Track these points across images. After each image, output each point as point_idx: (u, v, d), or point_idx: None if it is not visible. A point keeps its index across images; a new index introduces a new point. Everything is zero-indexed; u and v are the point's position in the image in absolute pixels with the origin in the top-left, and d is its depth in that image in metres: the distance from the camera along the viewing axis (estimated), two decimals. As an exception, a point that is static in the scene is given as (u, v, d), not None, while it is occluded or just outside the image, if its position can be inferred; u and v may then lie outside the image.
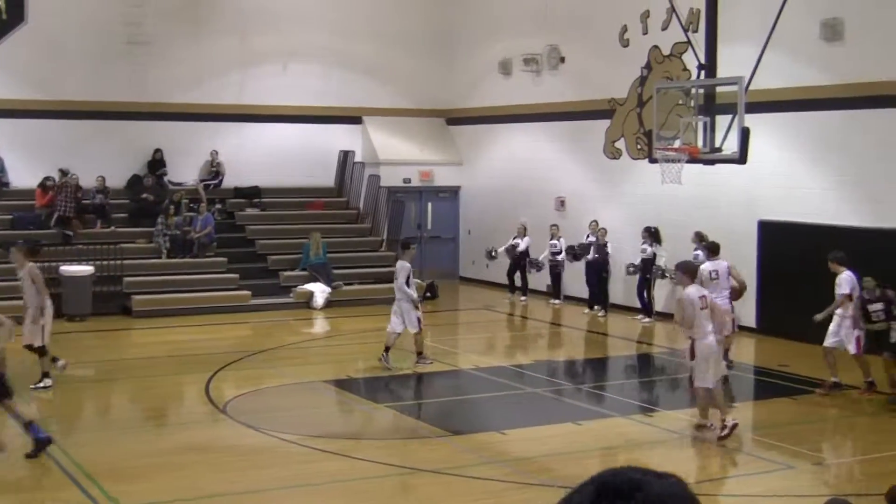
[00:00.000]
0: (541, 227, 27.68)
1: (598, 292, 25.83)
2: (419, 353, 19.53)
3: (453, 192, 32.40)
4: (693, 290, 14.35)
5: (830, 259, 17.26)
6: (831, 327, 17.07)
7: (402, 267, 19.26)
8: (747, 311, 22.30)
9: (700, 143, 19.35)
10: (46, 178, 27.12)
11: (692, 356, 14.22)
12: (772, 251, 22.29)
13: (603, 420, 15.96)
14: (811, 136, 21.78)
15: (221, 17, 30.16)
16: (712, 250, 19.20)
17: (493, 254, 28.40)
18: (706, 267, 18.72)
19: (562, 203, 28.15)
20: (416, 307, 19.29)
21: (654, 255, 24.26)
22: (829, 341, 17.03)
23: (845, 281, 16.91)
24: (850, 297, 16.84)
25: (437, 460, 13.46)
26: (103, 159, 28.31)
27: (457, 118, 32.50)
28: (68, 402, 17.40)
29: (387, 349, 19.16)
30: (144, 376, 18.84)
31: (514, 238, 27.84)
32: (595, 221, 26.03)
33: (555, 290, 27.47)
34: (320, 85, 31.19)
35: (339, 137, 31.46)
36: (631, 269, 24.62)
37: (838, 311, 17.00)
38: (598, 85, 26.90)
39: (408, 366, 19.36)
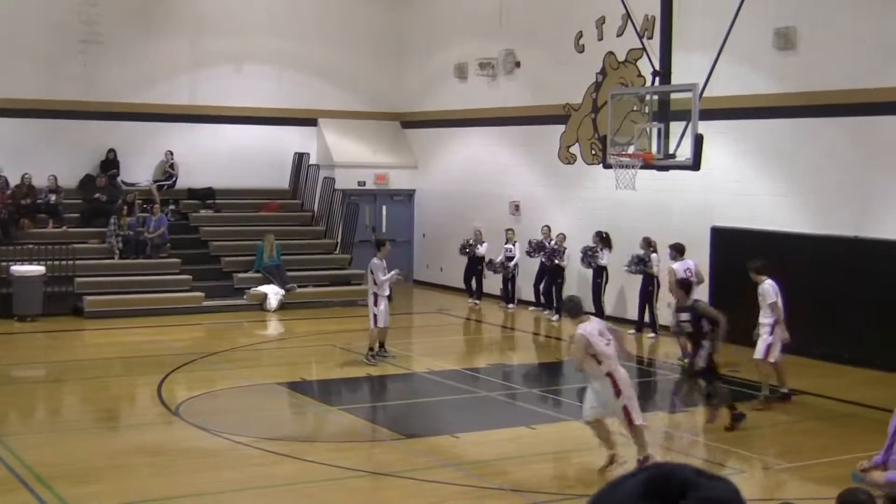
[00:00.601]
0: (496, 230, 27.77)
1: (550, 296, 25.91)
2: (369, 349, 19.99)
3: (408, 195, 32.41)
4: (588, 327, 13.03)
5: (750, 269, 17.21)
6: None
7: (376, 265, 19.84)
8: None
9: (654, 150, 19.44)
10: (-1, 177, 26.93)
11: (618, 394, 12.83)
12: (724, 257, 22.44)
13: (556, 424, 16.02)
14: (764, 144, 21.99)
15: (175, 18, 30.04)
16: (680, 251, 20.22)
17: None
18: (679, 266, 19.27)
19: (516, 207, 28.23)
20: (376, 303, 19.83)
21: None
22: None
23: (771, 289, 16.86)
24: (776, 304, 16.91)
25: (391, 463, 13.47)
26: (55, 159, 28.08)
27: (412, 121, 32.53)
28: (18, 403, 17.25)
29: (381, 345, 20.24)
30: (96, 377, 18.73)
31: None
32: (547, 226, 26.13)
33: (508, 294, 27.55)
34: (275, 87, 31.13)
35: (294, 139, 31.40)
36: (587, 258, 24.60)
37: (766, 320, 16.90)
38: (553, 90, 27.02)
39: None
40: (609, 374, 12.82)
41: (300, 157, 31.32)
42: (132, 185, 29.16)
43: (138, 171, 29.62)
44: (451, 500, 12.22)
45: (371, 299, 19.92)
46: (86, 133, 28.74)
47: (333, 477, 12.92)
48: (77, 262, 25.93)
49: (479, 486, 12.61)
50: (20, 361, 20.71)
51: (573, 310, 13.55)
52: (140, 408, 17.28)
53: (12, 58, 27.98)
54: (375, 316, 19.72)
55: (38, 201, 27.21)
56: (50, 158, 27.96)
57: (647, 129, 19.67)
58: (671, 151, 19.49)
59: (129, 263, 26.62)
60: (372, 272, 19.83)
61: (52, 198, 27.34)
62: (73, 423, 16.16)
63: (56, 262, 25.48)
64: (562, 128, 26.91)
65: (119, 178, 29.05)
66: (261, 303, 26.50)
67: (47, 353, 21.42)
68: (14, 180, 27.08)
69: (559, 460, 14.28)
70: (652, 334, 23.08)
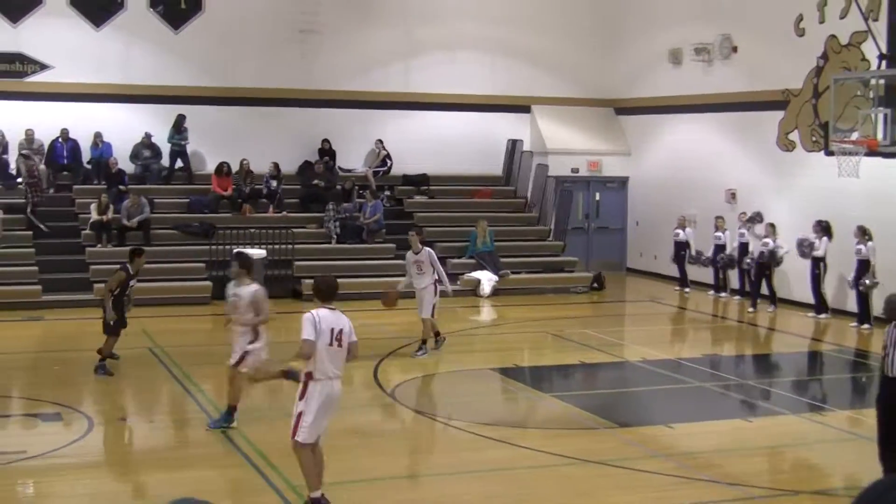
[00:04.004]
0: (710, 219, 27.30)
1: (768, 288, 25.32)
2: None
3: (621, 182, 32.12)
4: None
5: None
6: None
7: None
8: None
9: (880, 136, 18.82)
10: (222, 163, 27.90)
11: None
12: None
13: (773, 417, 15.65)
14: None
15: (390, 7, 30.54)
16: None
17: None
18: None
19: (732, 195, 27.65)
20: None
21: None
22: None
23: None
24: None
25: (603, 452, 13.38)
26: (275, 145, 28.99)
27: (625, 108, 32.21)
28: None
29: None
30: (314, 359, 19.11)
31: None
32: (759, 214, 25.68)
33: (720, 283, 27.07)
34: (487, 74, 31.28)
35: (507, 126, 31.52)
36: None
37: None
38: (771, 75, 26.33)
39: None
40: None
41: (513, 144, 31.42)
42: (349, 171, 29.82)
43: (353, 158, 30.29)
44: (663, 491, 12.07)
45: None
46: (304, 120, 29.56)
47: (545, 464, 12.91)
48: (296, 246, 26.67)
49: (691, 477, 12.42)
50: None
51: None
52: (356, 390, 17.58)
53: (236, 48, 29.02)
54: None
55: (259, 187, 28.09)
56: (270, 145, 28.88)
57: (872, 115, 19.04)
58: (898, 138, 18.84)
59: (345, 248, 27.20)
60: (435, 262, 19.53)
61: (273, 183, 28.17)
62: (291, 403, 16.56)
63: (276, 246, 26.23)
64: (780, 114, 26.19)
65: (336, 165, 29.75)
66: (474, 288, 26.72)
67: (268, 335, 21.97)
68: (235, 166, 28.09)
69: (775, 455, 13.96)
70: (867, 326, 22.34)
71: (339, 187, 28.59)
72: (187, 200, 27.67)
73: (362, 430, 14.44)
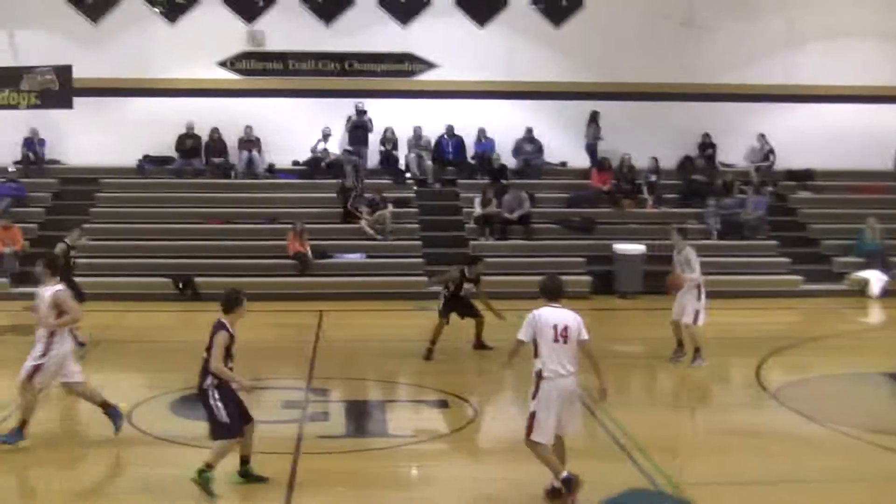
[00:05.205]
0: None
1: None
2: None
3: None
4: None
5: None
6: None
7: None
8: None
9: None
10: (603, 158, 28.09)
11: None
12: None
13: None
14: None
15: (771, -3, 29.80)
16: None
17: None
18: None
19: None
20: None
21: None
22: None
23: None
24: None
25: None
26: (655, 140, 28.90)
27: None
28: (617, 377, 17.68)
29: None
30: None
31: None
32: None
33: None
34: (877, 63, 29.99)
35: (899, 118, 30.02)
36: None
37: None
38: None
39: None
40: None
41: (904, 137, 29.93)
42: (729, 166, 29.31)
43: (734, 152, 29.71)
44: None
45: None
46: (683, 114, 29.37)
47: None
48: (673, 241, 26.41)
49: None
50: (620, 337, 21.33)
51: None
52: (735, 389, 17.23)
53: (616, 42, 29.28)
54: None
55: (638, 182, 28.04)
56: (650, 140, 28.80)
57: None
58: None
59: (725, 244, 26.68)
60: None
61: (653, 178, 28.07)
62: (669, 400, 16.45)
63: (656, 242, 26.03)
64: None
65: (717, 160, 29.33)
66: (862, 288, 25.59)
67: (645, 330, 21.90)
68: (615, 161, 28.22)
69: None
70: None
71: (719, 182, 28.12)
72: (567, 195, 27.97)
73: (745, 429, 14.11)
